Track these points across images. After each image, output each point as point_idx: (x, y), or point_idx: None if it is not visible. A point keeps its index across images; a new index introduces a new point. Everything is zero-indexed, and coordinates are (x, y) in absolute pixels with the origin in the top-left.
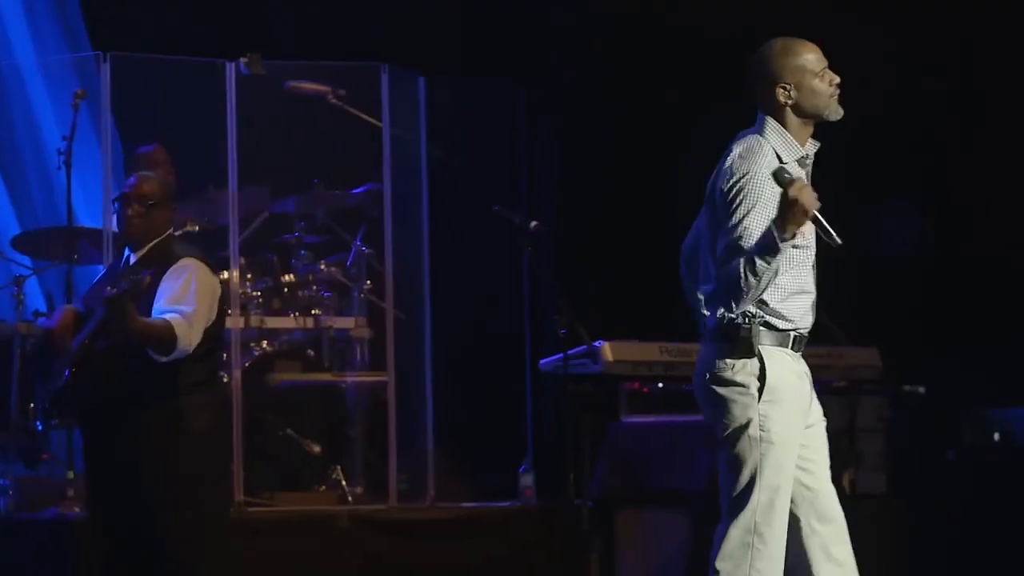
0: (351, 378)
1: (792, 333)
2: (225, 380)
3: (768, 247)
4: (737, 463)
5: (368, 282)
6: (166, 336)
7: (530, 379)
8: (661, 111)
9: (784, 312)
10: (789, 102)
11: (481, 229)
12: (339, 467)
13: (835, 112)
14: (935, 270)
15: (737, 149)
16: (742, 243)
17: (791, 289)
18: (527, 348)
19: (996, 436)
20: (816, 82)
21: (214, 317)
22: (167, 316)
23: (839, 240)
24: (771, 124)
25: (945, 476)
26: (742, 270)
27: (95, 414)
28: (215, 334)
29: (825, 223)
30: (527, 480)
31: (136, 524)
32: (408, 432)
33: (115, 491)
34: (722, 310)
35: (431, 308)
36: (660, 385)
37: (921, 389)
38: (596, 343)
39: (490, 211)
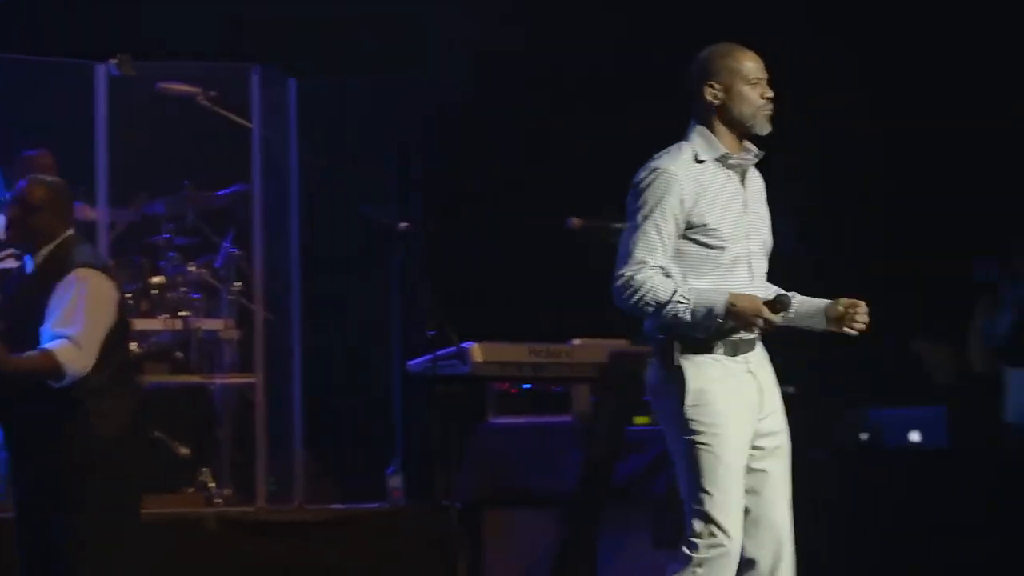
0: (219, 380)
1: (721, 339)
2: None
3: (708, 314)
4: (683, 469)
5: (237, 283)
6: (46, 368)
7: (399, 380)
8: (540, 111)
9: None
10: (716, 102)
11: (351, 230)
12: (207, 469)
13: (761, 126)
14: (807, 270)
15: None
16: (638, 242)
17: None
18: (396, 349)
19: (864, 436)
20: (747, 89)
21: (112, 323)
22: (52, 345)
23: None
24: (695, 129)
25: (815, 476)
26: (659, 302)
27: (7, 424)
28: (116, 340)
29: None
30: (395, 481)
31: (48, 529)
32: (277, 434)
33: (31, 498)
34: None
35: (300, 309)
36: (528, 386)
37: (791, 389)
38: (465, 344)
39: (359, 212)
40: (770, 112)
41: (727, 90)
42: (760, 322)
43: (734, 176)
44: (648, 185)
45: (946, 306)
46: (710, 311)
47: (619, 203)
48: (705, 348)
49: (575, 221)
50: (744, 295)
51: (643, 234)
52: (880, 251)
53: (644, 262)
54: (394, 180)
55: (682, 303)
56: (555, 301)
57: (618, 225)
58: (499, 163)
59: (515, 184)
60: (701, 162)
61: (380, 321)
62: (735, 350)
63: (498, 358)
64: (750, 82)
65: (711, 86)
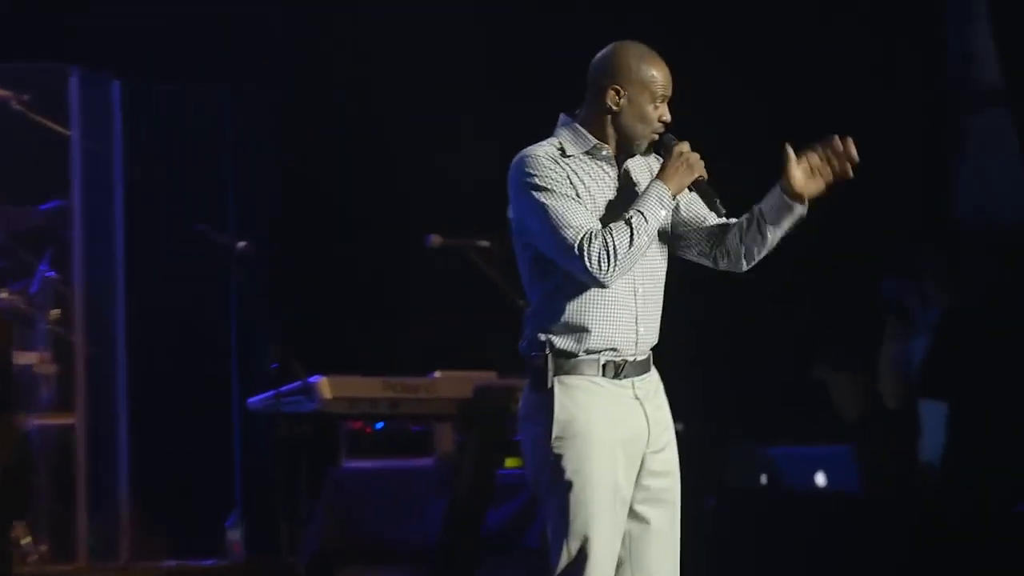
0: (35, 420)
1: (600, 357)
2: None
3: (662, 203)
4: (546, 512)
5: (55, 311)
6: None
7: (239, 420)
8: (388, 119)
9: (576, 335)
10: (615, 108)
11: (184, 251)
12: (21, 522)
13: (643, 148)
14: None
15: None
16: (564, 214)
17: (582, 304)
18: (235, 384)
19: (763, 478)
20: (649, 108)
21: None
22: None
23: (723, 209)
24: (565, 125)
25: (705, 525)
26: (630, 240)
27: None
28: None
29: (707, 190)
30: (234, 535)
31: None
32: (100, 481)
33: None
34: (524, 336)
35: (127, 341)
36: (382, 425)
37: (678, 426)
38: (312, 378)
39: (192, 231)
40: (658, 137)
41: (630, 101)
42: (695, 161)
43: (611, 170)
44: (523, 171)
45: (852, 327)
46: (661, 201)
47: (483, 219)
48: (582, 368)
49: (435, 239)
50: (670, 171)
51: (563, 207)
52: (775, 262)
53: (590, 227)
54: (231, 195)
55: (637, 218)
56: (414, 328)
57: (483, 243)
58: (349, 175)
59: (369, 199)
60: (568, 156)
61: (217, 353)
62: (617, 371)
63: (349, 393)
64: (655, 100)
65: (616, 90)
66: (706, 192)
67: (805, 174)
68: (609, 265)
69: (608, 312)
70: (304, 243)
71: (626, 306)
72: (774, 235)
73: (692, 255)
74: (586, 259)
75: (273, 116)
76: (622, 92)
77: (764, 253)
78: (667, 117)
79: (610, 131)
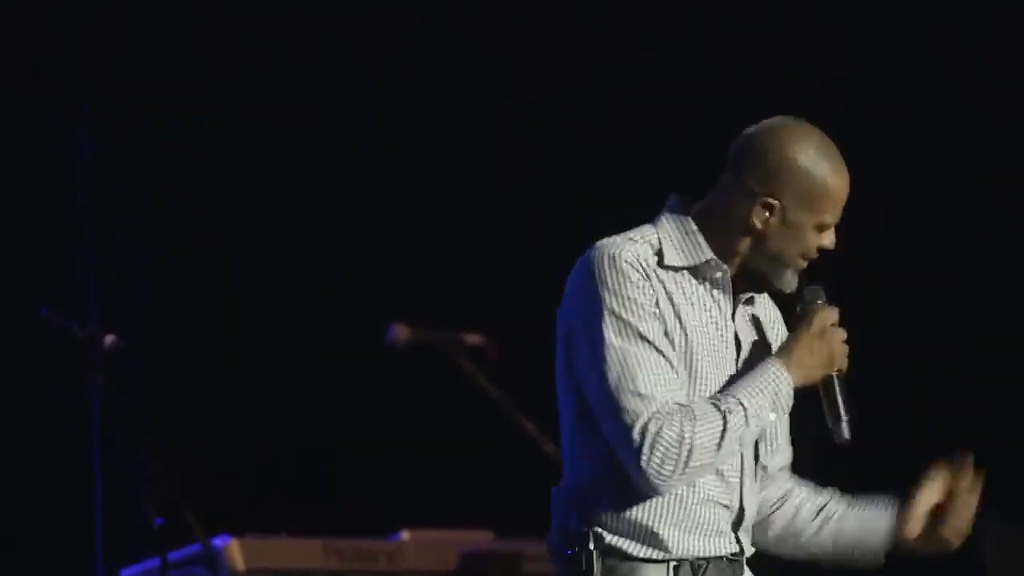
0: None
1: (671, 563)
2: None
3: (775, 396)
4: None
5: None
6: None
7: None
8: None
9: (641, 526)
10: (759, 226)
11: (16, 345)
12: None
13: (787, 281)
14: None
15: None
16: (633, 370)
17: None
18: (99, 548)
19: None
20: (811, 236)
21: None
22: None
23: (847, 434)
24: (674, 216)
25: None
26: (717, 443)
27: None
28: None
29: (838, 395)
30: None
31: None
32: None
33: None
34: (556, 525)
35: None
36: None
37: None
38: (217, 540)
39: (32, 315)
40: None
41: (785, 220)
42: (838, 346)
43: (722, 301)
44: (597, 278)
45: None
46: (776, 397)
47: (476, 302)
48: (643, 574)
49: (400, 331)
50: (802, 351)
51: (638, 358)
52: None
53: (665, 403)
54: (90, 258)
55: (736, 416)
56: (368, 466)
57: (474, 338)
58: (268, 231)
59: (295, 268)
60: (669, 268)
61: (72, 500)
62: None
63: (272, 563)
64: (823, 226)
65: (769, 205)
66: (832, 398)
67: (920, 523)
68: (675, 471)
69: (690, 490)
70: (200, 336)
71: (723, 486)
72: (823, 554)
73: None
74: (644, 450)
75: (137, 143)
76: (777, 207)
77: (793, 556)
78: (830, 245)
79: (741, 247)
